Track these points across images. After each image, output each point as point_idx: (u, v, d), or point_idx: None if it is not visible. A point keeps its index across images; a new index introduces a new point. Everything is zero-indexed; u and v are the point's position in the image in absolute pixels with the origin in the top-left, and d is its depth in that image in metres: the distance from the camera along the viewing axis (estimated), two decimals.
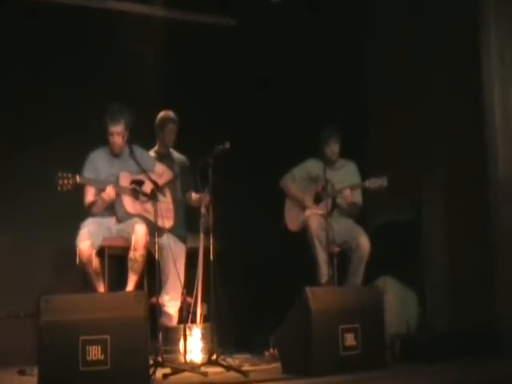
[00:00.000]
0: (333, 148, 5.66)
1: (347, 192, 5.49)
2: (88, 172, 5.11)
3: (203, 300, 5.30)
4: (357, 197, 5.63)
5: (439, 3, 5.99)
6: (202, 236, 5.30)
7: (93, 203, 5.06)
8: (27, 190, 5.83)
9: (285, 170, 5.86)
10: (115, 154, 5.20)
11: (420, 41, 6.14)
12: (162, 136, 5.76)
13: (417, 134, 6.14)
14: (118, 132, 5.10)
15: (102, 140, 5.21)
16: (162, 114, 5.77)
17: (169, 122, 5.74)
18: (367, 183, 5.47)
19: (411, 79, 6.21)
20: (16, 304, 5.67)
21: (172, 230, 5.29)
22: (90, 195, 5.07)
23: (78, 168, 5.08)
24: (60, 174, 4.73)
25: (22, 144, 5.92)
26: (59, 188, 4.72)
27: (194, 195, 5.61)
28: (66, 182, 4.72)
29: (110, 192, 4.94)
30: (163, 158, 5.70)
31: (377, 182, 5.41)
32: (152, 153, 5.73)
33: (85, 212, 5.12)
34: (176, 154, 5.87)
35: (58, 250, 5.83)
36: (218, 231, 4.84)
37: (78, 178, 4.80)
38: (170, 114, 5.76)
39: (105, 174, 5.14)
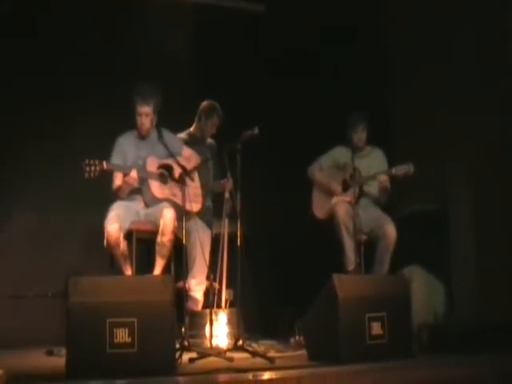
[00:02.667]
0: (360, 135, 5.64)
1: (382, 177, 5.45)
2: (116, 156, 5.13)
3: (228, 285, 5.32)
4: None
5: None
6: (225, 221, 5.30)
7: (120, 187, 5.08)
8: (55, 169, 5.88)
9: (313, 156, 5.84)
10: (142, 136, 5.20)
11: (448, 30, 6.08)
12: (205, 124, 5.75)
13: (443, 123, 6.09)
14: (146, 113, 5.10)
15: (128, 122, 5.21)
16: (211, 103, 5.76)
17: (215, 115, 5.74)
18: (394, 170, 5.46)
19: (437, 69, 6.15)
20: (43, 284, 5.74)
21: (199, 215, 5.30)
22: (117, 179, 5.09)
23: (104, 149, 5.11)
24: (87, 161, 4.73)
25: (49, 123, 5.95)
26: (86, 175, 4.72)
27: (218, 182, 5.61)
28: (93, 168, 4.73)
29: (134, 175, 4.94)
30: (196, 141, 5.70)
31: (403, 169, 5.40)
32: (184, 135, 5.73)
33: (112, 195, 5.14)
34: (209, 140, 5.87)
35: (84, 231, 5.89)
36: (245, 217, 4.83)
37: (104, 165, 4.80)
38: (219, 107, 5.74)
39: (132, 158, 5.16)
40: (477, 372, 4.09)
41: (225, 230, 5.33)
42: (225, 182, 5.36)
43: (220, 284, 5.32)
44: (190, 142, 5.59)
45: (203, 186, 5.40)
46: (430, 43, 6.24)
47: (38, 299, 5.68)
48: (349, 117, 5.65)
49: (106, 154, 5.08)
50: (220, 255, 5.35)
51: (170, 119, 5.38)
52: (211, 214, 5.65)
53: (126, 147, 5.18)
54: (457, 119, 5.97)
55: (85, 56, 6.05)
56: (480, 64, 5.82)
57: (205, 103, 5.78)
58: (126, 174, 4.97)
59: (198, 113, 5.80)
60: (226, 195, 5.32)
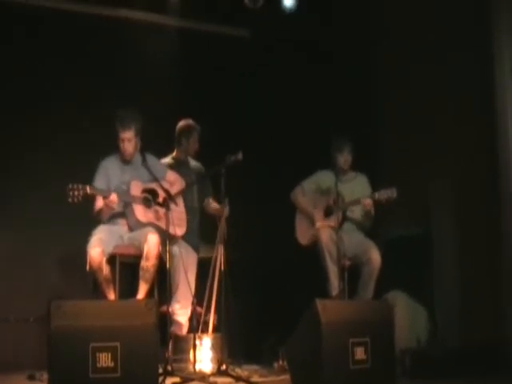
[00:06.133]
0: (346, 157, 5.65)
1: (367, 201, 5.45)
2: (100, 179, 5.12)
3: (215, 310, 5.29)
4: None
5: (451, 19, 6.00)
6: (219, 246, 5.26)
7: (101, 210, 5.06)
8: (38, 192, 5.86)
9: (297, 181, 5.85)
10: (126, 161, 5.21)
11: (433, 53, 6.15)
12: (186, 144, 5.74)
13: (427, 147, 6.13)
14: (128, 138, 5.11)
15: (113, 146, 5.22)
16: (186, 122, 5.75)
17: (194, 131, 5.73)
18: (376, 195, 5.44)
19: (423, 92, 6.21)
20: (25, 308, 5.70)
21: (185, 239, 5.30)
22: (99, 202, 5.06)
23: (86, 173, 5.10)
24: (70, 186, 4.70)
25: (30, 145, 5.95)
26: (70, 199, 4.70)
27: (214, 203, 5.61)
28: (76, 193, 4.70)
29: (113, 199, 4.92)
30: (181, 165, 5.70)
31: (386, 193, 5.38)
32: (169, 159, 5.73)
33: (94, 217, 5.12)
34: (193, 162, 5.86)
35: (67, 255, 5.87)
36: (230, 242, 4.82)
37: (88, 189, 4.78)
38: (193, 123, 5.75)
39: (116, 182, 5.15)
40: None
41: (217, 255, 5.24)
42: (222, 208, 5.30)
43: (208, 309, 5.29)
44: (175, 166, 5.59)
45: (190, 209, 5.38)
46: (411, 64, 6.31)
47: (20, 323, 5.63)
48: (334, 140, 5.66)
49: (90, 177, 5.08)
50: (210, 280, 5.32)
51: (155, 144, 5.38)
52: (197, 236, 5.62)
53: (110, 170, 5.18)
54: (440, 142, 6.02)
55: (72, 79, 6.08)
56: (461, 88, 5.90)
57: (180, 125, 5.76)
58: (106, 197, 4.95)
59: (176, 137, 5.78)
60: (223, 221, 5.27)
